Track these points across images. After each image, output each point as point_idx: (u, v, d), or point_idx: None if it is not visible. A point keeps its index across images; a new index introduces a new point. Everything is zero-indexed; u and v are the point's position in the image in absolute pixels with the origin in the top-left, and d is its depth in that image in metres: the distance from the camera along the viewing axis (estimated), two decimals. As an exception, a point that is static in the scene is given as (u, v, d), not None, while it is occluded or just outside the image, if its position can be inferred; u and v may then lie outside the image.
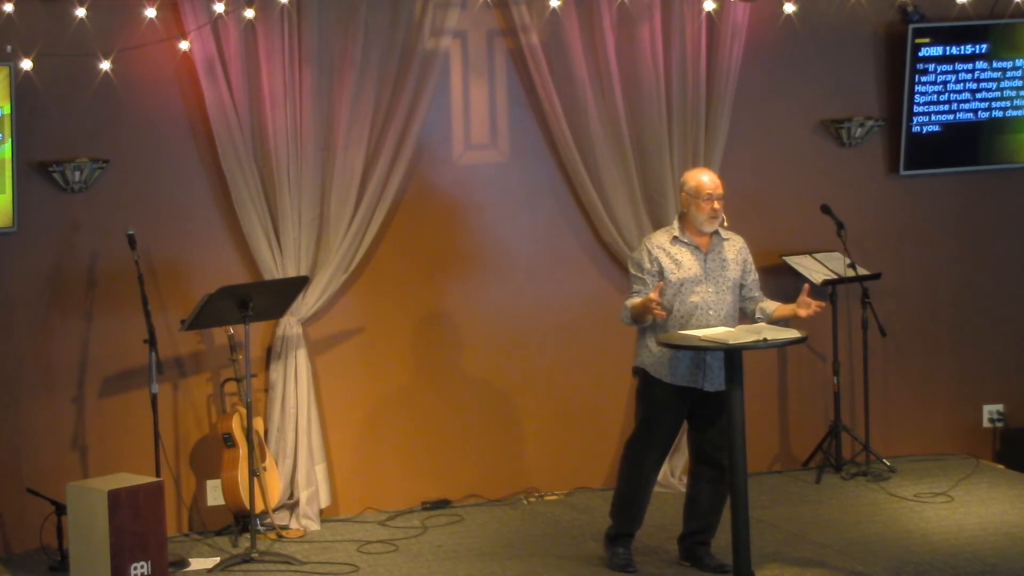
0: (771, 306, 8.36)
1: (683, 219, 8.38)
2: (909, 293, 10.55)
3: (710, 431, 8.37)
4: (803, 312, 8.21)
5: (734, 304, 8.36)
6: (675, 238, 8.36)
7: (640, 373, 8.40)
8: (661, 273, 8.27)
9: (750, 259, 8.46)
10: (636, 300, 8.22)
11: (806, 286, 8.37)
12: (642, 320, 8.24)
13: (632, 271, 8.38)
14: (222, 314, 8.82)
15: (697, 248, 8.33)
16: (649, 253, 8.33)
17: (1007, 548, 8.65)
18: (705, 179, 8.32)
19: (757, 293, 8.46)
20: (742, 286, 8.42)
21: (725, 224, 8.41)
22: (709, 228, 8.32)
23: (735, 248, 8.41)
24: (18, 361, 9.09)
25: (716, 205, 8.27)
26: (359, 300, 9.68)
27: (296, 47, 9.27)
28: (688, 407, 8.37)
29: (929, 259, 10.59)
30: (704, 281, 8.29)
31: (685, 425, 8.51)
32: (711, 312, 8.26)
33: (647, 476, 8.43)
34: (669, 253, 8.32)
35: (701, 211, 8.30)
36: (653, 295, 8.07)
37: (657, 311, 8.07)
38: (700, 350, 8.14)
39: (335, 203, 9.43)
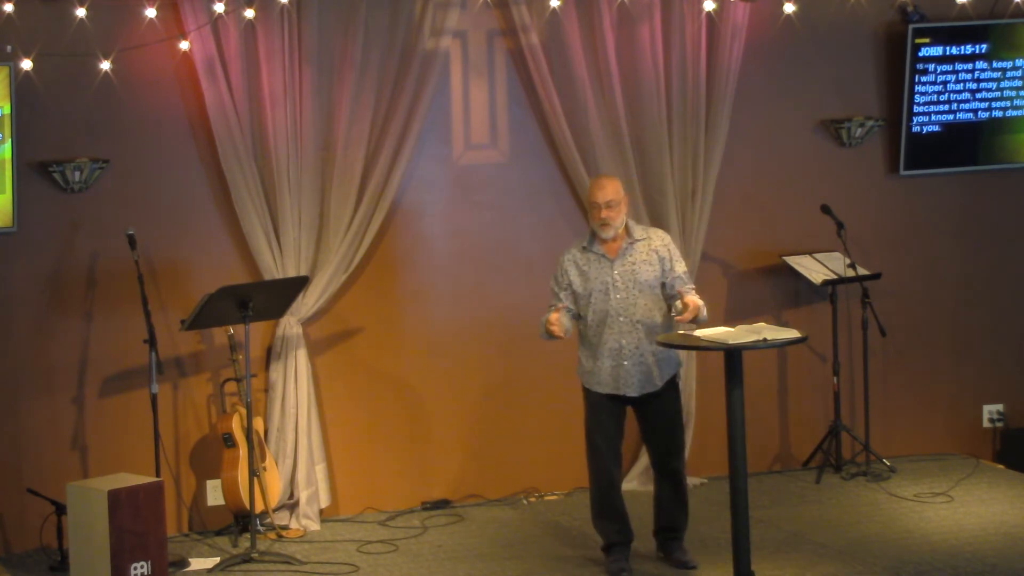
0: (679, 305, 8.23)
1: None
2: (909, 293, 10.55)
3: (654, 437, 8.48)
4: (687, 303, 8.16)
5: (650, 307, 8.32)
6: (584, 248, 8.40)
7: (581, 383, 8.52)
8: (571, 286, 8.35)
9: (671, 254, 8.38)
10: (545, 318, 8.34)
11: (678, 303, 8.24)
12: (550, 336, 8.33)
13: (551, 283, 8.48)
14: (222, 314, 8.82)
15: (604, 256, 8.35)
16: (561, 267, 8.41)
17: (1007, 548, 8.65)
18: (596, 188, 8.35)
19: (683, 288, 8.32)
20: (664, 284, 8.38)
21: (614, 232, 8.31)
22: (604, 235, 8.33)
23: (649, 247, 8.37)
24: (18, 361, 9.09)
25: (604, 213, 8.28)
26: (359, 300, 9.67)
27: (296, 47, 9.27)
28: (624, 408, 8.44)
29: (929, 259, 10.59)
30: (612, 288, 8.31)
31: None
32: (622, 318, 8.29)
33: (604, 483, 8.47)
34: (578, 264, 8.39)
35: (593, 220, 8.36)
36: (552, 316, 8.22)
37: (553, 330, 8.21)
38: (699, 350, 8.21)
39: (335, 203, 9.43)
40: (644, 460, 9.90)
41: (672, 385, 8.43)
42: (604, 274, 8.32)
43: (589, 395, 8.45)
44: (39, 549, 9.01)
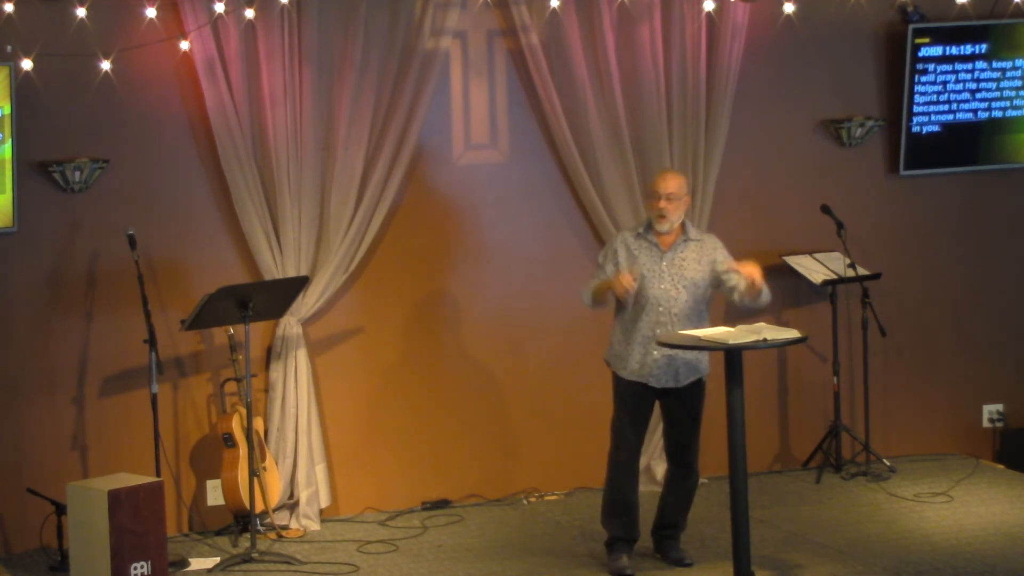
0: (732, 279, 8.34)
1: None
2: (909, 293, 10.55)
3: (672, 429, 8.52)
4: (743, 271, 8.20)
5: (691, 304, 8.36)
6: (639, 234, 8.45)
7: (608, 366, 8.55)
8: (618, 266, 8.39)
9: (721, 257, 8.42)
10: (597, 282, 8.40)
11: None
12: (602, 300, 8.39)
13: (599, 258, 8.53)
14: (222, 314, 8.82)
15: (656, 245, 8.40)
16: (611, 246, 8.48)
17: (1007, 548, 8.65)
18: (660, 179, 8.42)
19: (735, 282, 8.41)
20: (720, 282, 8.41)
21: (670, 227, 8.36)
22: (660, 227, 8.38)
23: (702, 249, 8.42)
24: (18, 361, 9.09)
25: (661, 204, 8.33)
26: (359, 300, 9.68)
27: (296, 47, 9.27)
28: (652, 402, 8.46)
29: (929, 259, 10.59)
30: (657, 278, 8.34)
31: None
32: (660, 308, 8.33)
33: (622, 475, 8.49)
34: (629, 248, 8.43)
35: (650, 210, 8.44)
36: (622, 277, 8.17)
37: (620, 288, 8.16)
38: (700, 349, 8.21)
39: (335, 203, 9.43)
40: (644, 460, 9.90)
41: (698, 384, 8.46)
42: (653, 262, 8.36)
43: (618, 384, 8.48)
44: (39, 549, 9.01)
